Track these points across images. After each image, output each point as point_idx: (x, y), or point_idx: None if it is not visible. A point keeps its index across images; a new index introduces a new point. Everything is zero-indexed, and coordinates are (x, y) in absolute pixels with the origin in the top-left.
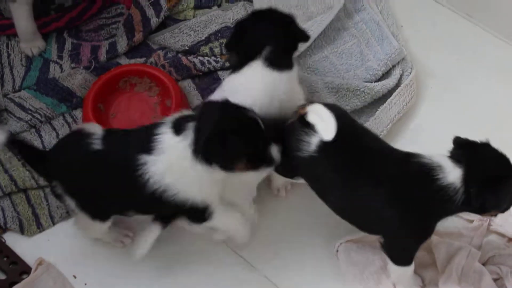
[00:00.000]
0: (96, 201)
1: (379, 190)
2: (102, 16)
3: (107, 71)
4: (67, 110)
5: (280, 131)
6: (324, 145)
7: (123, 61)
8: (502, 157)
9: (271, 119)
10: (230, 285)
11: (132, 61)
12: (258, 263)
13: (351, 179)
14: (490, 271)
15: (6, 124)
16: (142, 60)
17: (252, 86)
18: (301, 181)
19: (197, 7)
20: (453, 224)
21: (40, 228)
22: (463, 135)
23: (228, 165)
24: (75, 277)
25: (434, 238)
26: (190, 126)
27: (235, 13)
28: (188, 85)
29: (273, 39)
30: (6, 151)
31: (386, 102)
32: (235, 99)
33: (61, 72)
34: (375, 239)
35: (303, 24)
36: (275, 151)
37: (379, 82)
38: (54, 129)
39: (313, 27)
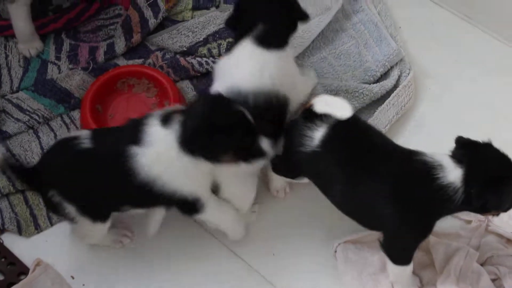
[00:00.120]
0: (94, 201)
1: (381, 186)
2: (100, 17)
3: (105, 72)
4: (65, 111)
5: (277, 125)
6: (327, 140)
7: (121, 62)
8: (504, 158)
9: (267, 110)
10: (228, 285)
11: (130, 62)
12: (256, 263)
13: (353, 174)
14: (488, 271)
15: (4, 125)
16: (140, 61)
17: (240, 66)
18: (303, 181)
19: (195, 8)
20: (451, 224)
21: (38, 229)
22: (462, 135)
23: (212, 157)
24: (73, 277)
25: (432, 238)
26: (178, 119)
27: None
28: (186, 86)
29: (266, 16)
30: (4, 152)
31: (385, 103)
32: (227, 81)
33: (59, 73)
34: (374, 239)
35: (301, 25)
36: (265, 144)
37: (378, 83)
38: (52, 130)
39: (311, 28)
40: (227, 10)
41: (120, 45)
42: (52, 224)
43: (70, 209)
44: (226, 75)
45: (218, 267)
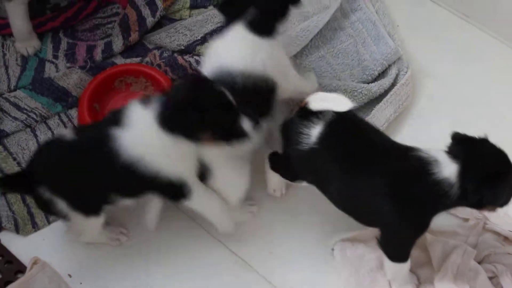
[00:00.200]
0: (84, 193)
1: (378, 182)
2: (97, 16)
3: (103, 70)
4: (63, 110)
5: (264, 109)
6: (324, 137)
7: (119, 60)
8: (500, 153)
9: (255, 92)
10: (227, 284)
11: (128, 60)
12: (254, 261)
13: (350, 170)
14: (486, 269)
15: (2, 124)
16: (137, 59)
17: (232, 49)
18: (301, 184)
19: (193, 6)
20: (449, 223)
21: (35, 227)
22: (458, 131)
23: (190, 134)
24: (70, 276)
25: (429, 236)
26: (158, 99)
27: None
28: None
29: (258, 0)
30: (1, 151)
31: (382, 101)
32: (217, 62)
33: (57, 71)
34: (371, 237)
35: (300, 24)
36: (247, 125)
37: (376, 82)
38: (50, 128)
39: (309, 27)
40: None
41: (117, 44)
42: (49, 223)
43: (62, 205)
44: (217, 57)
45: (215, 264)
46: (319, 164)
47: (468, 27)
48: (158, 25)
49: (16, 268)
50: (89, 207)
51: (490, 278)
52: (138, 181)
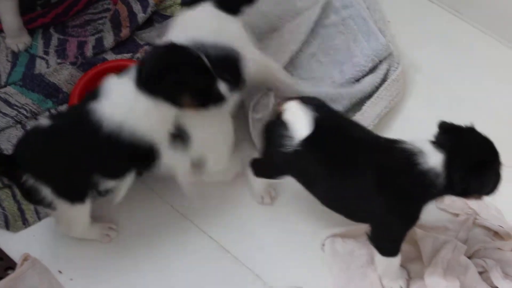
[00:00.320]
0: (68, 177)
1: (365, 178)
2: (88, 12)
3: (93, 66)
4: (53, 106)
5: (234, 78)
6: (307, 138)
7: (110, 56)
8: (486, 142)
9: (224, 62)
10: (217, 279)
11: (119, 56)
12: (244, 257)
13: (336, 169)
14: (476, 264)
15: None
16: (129, 55)
17: (204, 23)
18: (284, 180)
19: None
20: (439, 218)
21: (25, 223)
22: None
23: (172, 97)
24: (60, 272)
25: (419, 232)
26: (134, 68)
27: None
28: None
29: None
30: None
31: (373, 97)
32: (185, 34)
33: (47, 67)
34: (362, 233)
35: (292, 20)
36: (223, 87)
37: (367, 80)
38: None
39: (301, 22)
40: None
41: (108, 40)
42: (40, 219)
43: (46, 192)
44: (185, 29)
45: (206, 261)
46: (304, 166)
47: (459, 23)
48: (149, 21)
49: (7, 264)
50: (74, 193)
51: (480, 273)
52: (120, 154)
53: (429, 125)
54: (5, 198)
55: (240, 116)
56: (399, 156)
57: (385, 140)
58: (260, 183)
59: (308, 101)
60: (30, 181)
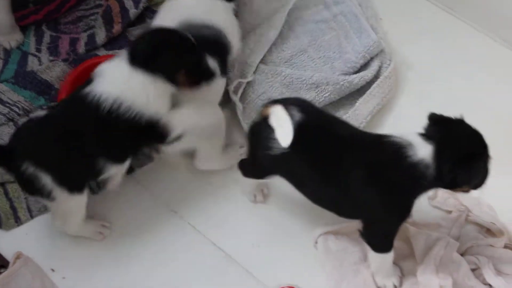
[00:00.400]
0: (70, 165)
1: (355, 175)
2: (80, 8)
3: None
4: (46, 103)
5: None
6: (295, 140)
7: (102, 53)
8: (475, 134)
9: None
10: (209, 277)
11: (111, 53)
12: (238, 255)
13: (326, 169)
14: (468, 261)
15: None
16: (120, 52)
17: (196, 6)
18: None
19: None
20: (432, 215)
21: (18, 222)
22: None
23: (166, 71)
24: (53, 270)
25: (412, 229)
26: (125, 50)
27: None
28: None
29: None
30: None
31: (365, 94)
32: (177, 17)
33: (40, 65)
34: (354, 230)
35: (283, 17)
36: (212, 63)
37: (358, 74)
38: None
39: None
40: None
41: (100, 36)
42: (32, 217)
43: (46, 180)
44: (177, 12)
45: (198, 258)
46: (293, 167)
47: (452, 20)
48: (141, 16)
49: None
50: (74, 181)
51: (473, 270)
52: (122, 133)
53: (421, 122)
54: None
55: (234, 108)
56: (388, 149)
57: (373, 135)
58: (251, 182)
59: (293, 102)
60: (30, 169)
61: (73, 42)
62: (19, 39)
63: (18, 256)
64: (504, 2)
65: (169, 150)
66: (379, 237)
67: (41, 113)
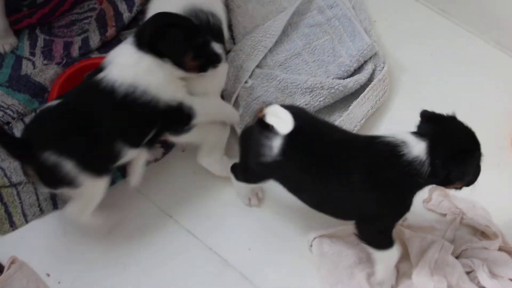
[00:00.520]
0: (91, 149)
1: (351, 178)
2: (74, 12)
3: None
4: (40, 106)
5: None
6: (287, 147)
7: (96, 56)
8: (468, 130)
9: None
10: (204, 280)
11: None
12: (232, 258)
13: (321, 174)
14: (463, 264)
15: None
16: None
17: None
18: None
19: None
20: (427, 218)
21: (13, 226)
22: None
23: (177, 56)
24: (48, 275)
25: (407, 232)
26: (130, 35)
27: None
28: None
29: None
30: None
31: (359, 97)
32: (187, 2)
33: (34, 68)
34: (349, 233)
35: (281, 25)
36: (217, 47)
37: (352, 77)
38: None
39: (280, 16)
40: None
41: (94, 40)
42: (27, 222)
43: (69, 167)
44: None
45: (193, 262)
46: (287, 173)
47: (445, 23)
48: (135, 20)
49: None
50: (98, 164)
51: (467, 273)
52: (137, 118)
53: (415, 124)
54: None
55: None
56: (383, 149)
57: (367, 138)
58: (245, 185)
59: (286, 108)
60: (51, 158)
61: (67, 46)
62: (13, 43)
63: (13, 260)
64: (496, 4)
65: (179, 140)
66: (379, 234)
67: (52, 103)
